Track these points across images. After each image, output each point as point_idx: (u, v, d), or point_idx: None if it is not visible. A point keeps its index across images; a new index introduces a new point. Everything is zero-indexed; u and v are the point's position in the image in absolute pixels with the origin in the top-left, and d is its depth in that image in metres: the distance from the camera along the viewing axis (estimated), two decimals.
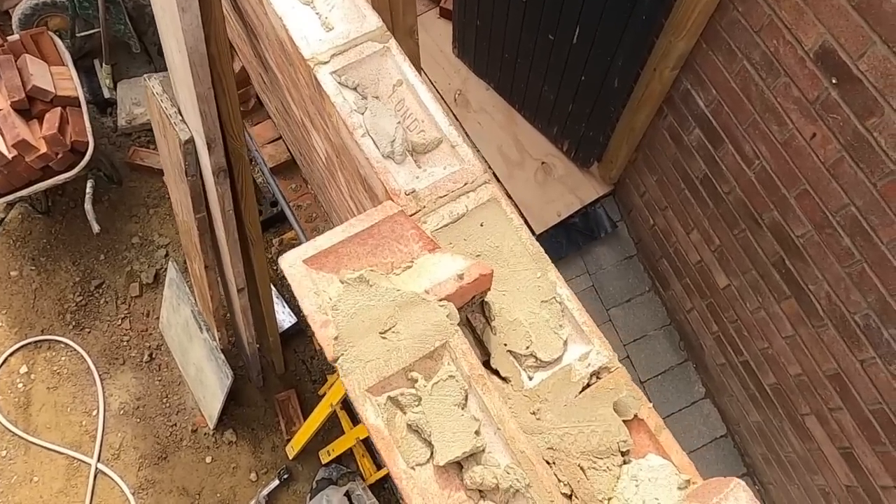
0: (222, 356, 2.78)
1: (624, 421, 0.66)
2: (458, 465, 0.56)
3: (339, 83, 0.79)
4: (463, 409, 0.56)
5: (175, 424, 3.25)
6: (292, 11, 0.85)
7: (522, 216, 2.98)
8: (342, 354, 0.55)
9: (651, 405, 0.66)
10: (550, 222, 2.96)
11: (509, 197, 3.00)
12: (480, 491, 0.56)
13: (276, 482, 3.02)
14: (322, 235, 0.60)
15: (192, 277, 2.84)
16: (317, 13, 0.87)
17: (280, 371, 3.21)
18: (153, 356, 3.34)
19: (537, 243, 0.71)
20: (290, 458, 3.08)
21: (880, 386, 1.79)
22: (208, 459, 3.16)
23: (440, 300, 0.59)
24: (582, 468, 0.63)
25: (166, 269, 3.10)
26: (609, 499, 0.62)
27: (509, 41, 2.77)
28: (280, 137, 3.06)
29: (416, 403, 0.56)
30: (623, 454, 0.65)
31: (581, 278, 3.01)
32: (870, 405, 1.86)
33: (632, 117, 2.47)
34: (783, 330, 2.14)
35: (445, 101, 3.18)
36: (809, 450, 2.25)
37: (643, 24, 2.06)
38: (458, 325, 0.65)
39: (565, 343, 0.69)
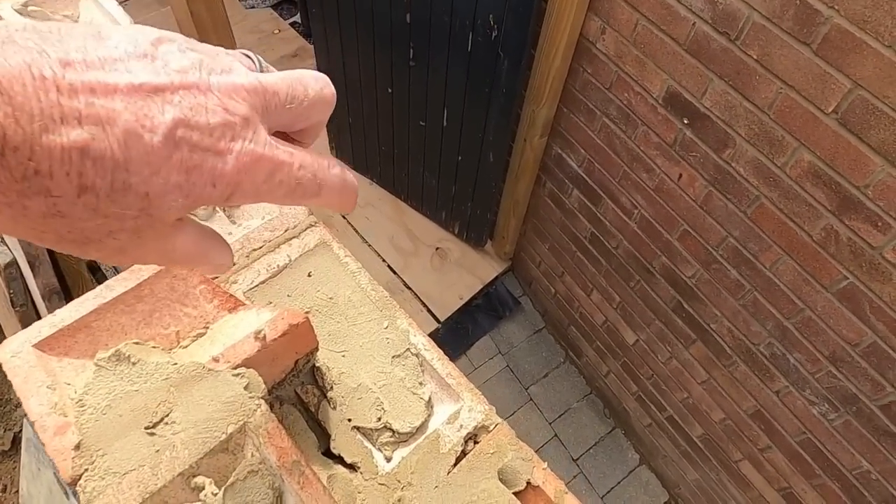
0: None
1: (516, 493, 0.51)
2: None
3: None
4: None
5: None
6: None
7: (424, 305, 2.87)
8: (87, 469, 0.37)
9: (545, 466, 0.52)
10: (454, 307, 2.86)
11: (409, 288, 2.89)
12: None
13: None
14: (65, 307, 0.44)
15: None
16: None
17: None
18: None
19: (381, 288, 0.58)
20: None
21: (800, 414, 1.74)
22: None
23: (234, 368, 0.43)
24: None
25: None
26: None
27: (383, 133, 2.78)
28: None
29: None
30: None
31: (495, 360, 2.88)
32: (795, 437, 1.80)
33: (513, 189, 2.49)
34: (697, 376, 2.09)
35: None
36: (752, 499, 2.15)
37: (505, 98, 2.11)
38: (274, 400, 0.49)
39: (428, 404, 0.54)
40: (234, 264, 0.38)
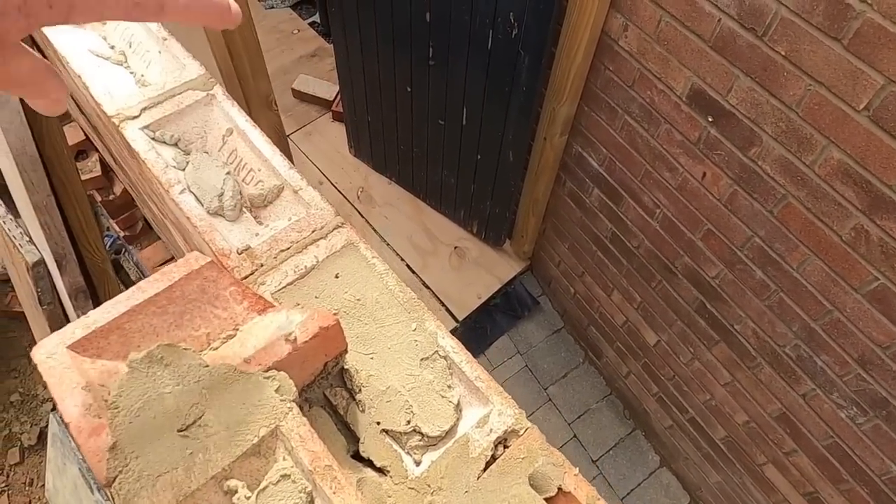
0: None
1: (547, 499, 0.50)
2: None
3: (152, 139, 0.66)
4: None
5: None
6: (98, 70, 0.73)
7: (442, 304, 2.86)
8: (121, 471, 0.38)
9: (577, 471, 0.51)
10: (472, 306, 2.85)
11: (427, 287, 2.88)
12: None
13: None
14: (98, 308, 0.44)
15: None
16: (131, 72, 0.75)
17: None
18: None
19: (408, 290, 0.58)
20: None
21: (827, 418, 1.71)
22: None
23: (266, 371, 0.43)
24: None
25: None
26: None
27: (402, 133, 2.78)
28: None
29: None
30: None
31: (513, 360, 2.87)
32: (822, 441, 1.77)
33: (533, 188, 2.47)
34: (720, 377, 2.06)
35: (349, 200, 3.11)
36: (776, 503, 2.11)
37: (525, 96, 2.09)
38: (303, 402, 0.49)
39: (457, 408, 0.54)
40: (67, 101, 0.40)
